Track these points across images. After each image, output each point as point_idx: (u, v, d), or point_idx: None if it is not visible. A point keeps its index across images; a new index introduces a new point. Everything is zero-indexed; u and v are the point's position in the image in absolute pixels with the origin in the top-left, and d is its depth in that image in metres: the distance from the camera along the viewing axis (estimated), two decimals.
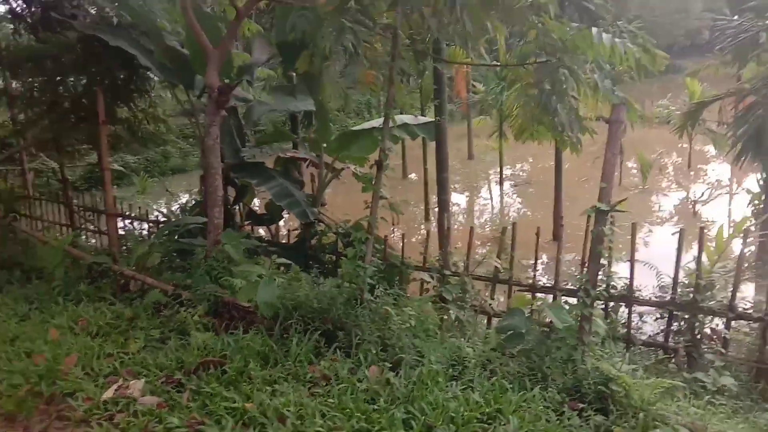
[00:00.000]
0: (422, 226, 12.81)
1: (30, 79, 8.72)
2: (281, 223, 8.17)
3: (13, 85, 10.41)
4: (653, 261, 6.30)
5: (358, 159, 7.81)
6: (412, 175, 18.29)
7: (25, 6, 9.46)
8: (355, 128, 7.74)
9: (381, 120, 7.92)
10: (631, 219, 11.90)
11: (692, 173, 17.46)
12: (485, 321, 5.67)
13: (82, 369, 4.11)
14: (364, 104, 27.03)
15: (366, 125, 7.80)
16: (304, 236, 7.30)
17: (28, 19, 9.33)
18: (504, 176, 18.40)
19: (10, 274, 6.62)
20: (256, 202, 10.08)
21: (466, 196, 17.52)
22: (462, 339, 4.25)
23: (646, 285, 5.82)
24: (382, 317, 4.47)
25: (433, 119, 7.86)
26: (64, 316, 5.05)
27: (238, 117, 8.04)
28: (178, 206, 8.69)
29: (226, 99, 5.74)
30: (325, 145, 7.36)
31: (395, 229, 8.19)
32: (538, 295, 5.57)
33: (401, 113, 11.10)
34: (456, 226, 12.72)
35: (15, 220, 9.10)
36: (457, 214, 15.41)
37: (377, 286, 4.79)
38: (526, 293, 5.52)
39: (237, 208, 8.00)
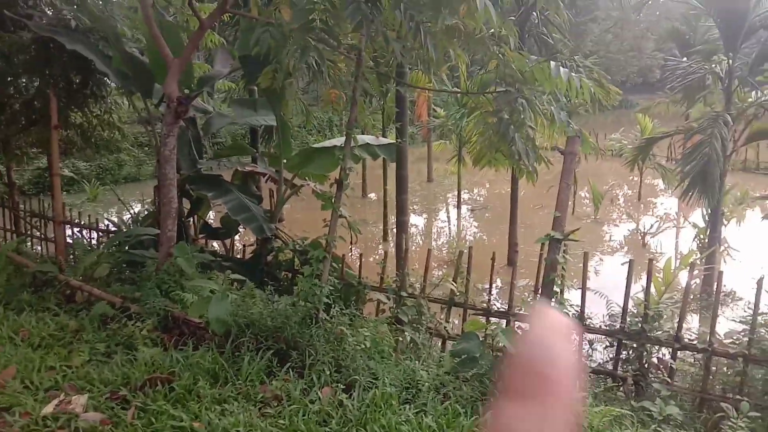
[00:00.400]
0: (380, 246, 12.82)
1: None
2: (236, 237, 8.04)
3: None
4: (604, 290, 6.48)
5: (318, 176, 7.78)
6: (372, 195, 18.34)
7: None
8: (316, 145, 7.72)
9: (342, 139, 7.96)
10: (583, 248, 12.21)
11: (642, 206, 18.08)
12: (440, 344, 5.69)
13: (21, 382, 3.91)
14: (326, 122, 27.04)
15: (327, 143, 7.79)
16: (260, 252, 7.19)
17: None
18: (462, 200, 18.65)
19: None
20: (211, 215, 9.91)
21: (425, 218, 17.65)
22: (416, 362, 4.24)
23: (597, 313, 5.97)
24: (337, 337, 4.43)
25: (394, 141, 7.93)
26: (4, 326, 4.81)
27: (197, 128, 7.92)
28: (129, 216, 8.43)
29: (184, 110, 5.65)
30: (285, 160, 7.31)
31: (353, 248, 8.16)
32: (493, 319, 5.63)
33: (363, 133, 11.18)
34: (414, 248, 12.78)
35: None
36: (415, 235, 15.49)
37: (333, 306, 4.75)
38: (480, 317, 5.57)
39: (191, 220, 7.84)
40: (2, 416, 3.59)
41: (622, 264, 5.50)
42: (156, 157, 7.13)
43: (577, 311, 5.36)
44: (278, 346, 4.36)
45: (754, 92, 10.04)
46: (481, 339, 4.39)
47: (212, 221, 9.60)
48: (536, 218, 14.52)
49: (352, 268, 6.53)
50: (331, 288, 4.76)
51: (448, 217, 17.54)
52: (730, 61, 9.16)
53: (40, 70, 7.77)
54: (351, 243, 7.74)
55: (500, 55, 5.34)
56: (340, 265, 6.28)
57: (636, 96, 40.69)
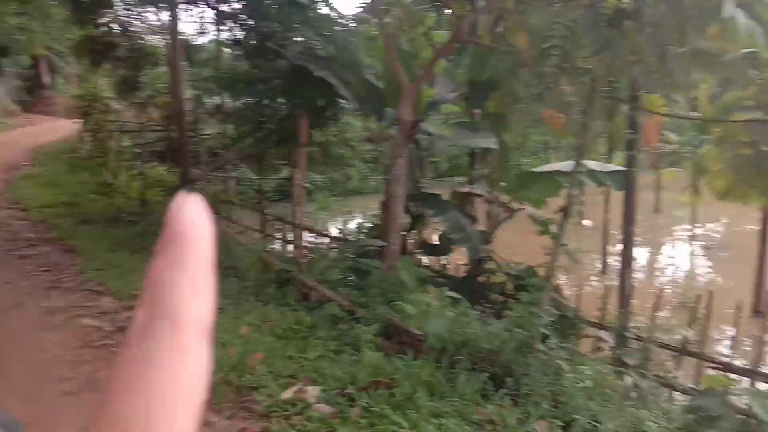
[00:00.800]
0: (597, 279, 12.11)
1: (243, 100, 9.91)
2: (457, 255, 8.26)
3: (228, 104, 11.92)
4: None
5: (536, 201, 7.64)
6: (587, 221, 17.41)
7: (244, 35, 10.82)
8: (535, 169, 7.61)
9: (564, 163, 7.71)
10: None
11: None
12: (667, 395, 5.17)
13: (266, 367, 4.49)
14: (542, 143, 26.42)
15: (548, 167, 7.63)
16: (473, 272, 7.29)
17: (247, 47, 10.65)
18: (693, 235, 16.74)
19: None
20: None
21: (648, 252, 16.22)
22: (643, 410, 3.92)
23: None
24: (554, 371, 4.29)
25: (622, 168, 7.44)
26: (254, 315, 5.57)
27: (421, 149, 8.33)
28: (355, 226, 9.18)
29: (415, 132, 5.99)
30: (503, 183, 7.33)
31: (569, 279, 7.84)
32: (732, 376, 4.95)
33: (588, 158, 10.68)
34: (635, 283, 11.81)
35: (217, 221, 10.30)
36: (637, 270, 14.31)
37: (549, 337, 4.62)
38: (718, 372, 4.94)
39: (409, 236, 8.25)
40: (252, 395, 4.16)
41: None
42: (382, 174, 7.72)
43: None
44: (492, 370, 4.37)
45: None
46: (722, 397, 3.89)
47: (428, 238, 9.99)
48: None
49: (570, 300, 6.28)
50: (550, 319, 4.63)
51: (676, 253, 15.88)
52: None
53: (292, 94, 8.91)
54: (568, 273, 7.43)
55: (758, 80, 4.74)
56: (556, 295, 6.08)
57: None
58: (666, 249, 16.50)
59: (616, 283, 8.50)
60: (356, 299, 5.79)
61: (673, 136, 16.11)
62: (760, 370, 4.82)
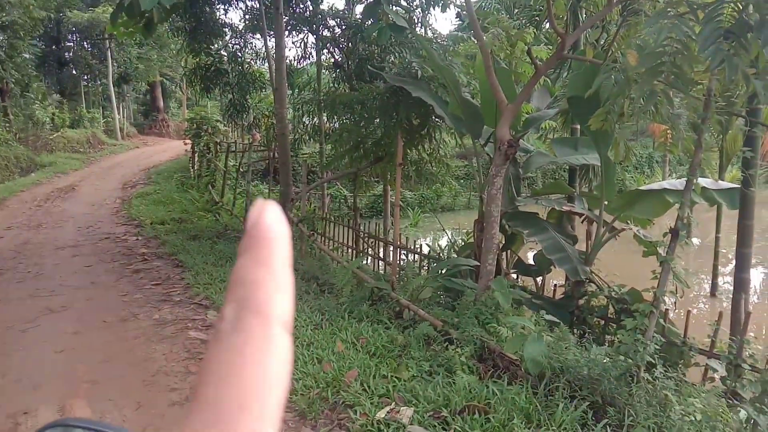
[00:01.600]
0: (706, 302, 11.30)
1: (342, 120, 10.22)
2: (554, 276, 8.04)
3: (327, 124, 12.35)
4: None
5: (642, 220, 7.29)
6: (695, 239, 16.30)
7: (344, 58, 11.20)
8: (642, 188, 7.26)
9: (674, 181, 7.30)
10: None
11: None
12: None
13: (360, 384, 4.57)
14: (645, 158, 25.17)
15: (655, 185, 7.26)
16: (571, 294, 7.05)
17: (346, 69, 11.01)
18: None
19: (308, 285, 7.73)
20: (524, 251, 10.10)
21: (762, 273, 14.94)
22: None
23: None
24: (660, 402, 4.06)
25: (736, 186, 6.96)
26: (349, 332, 5.70)
27: (517, 166, 8.21)
28: (446, 244, 9.16)
29: (514, 151, 5.92)
30: (606, 202, 7.05)
31: (677, 303, 7.36)
32: None
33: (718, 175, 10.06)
34: (751, 307, 10.91)
35: (314, 237, 10.66)
36: (751, 293, 13.23)
37: (656, 366, 4.38)
38: None
39: (505, 255, 8.12)
40: (347, 412, 4.25)
41: None
42: (473, 190, 7.64)
43: None
44: (593, 399, 4.20)
45: None
46: None
47: (525, 257, 9.78)
48: None
49: (676, 324, 5.92)
50: (657, 346, 4.39)
51: None
52: None
53: (389, 114, 9.09)
54: (678, 297, 7.00)
55: None
56: (663, 320, 5.75)
57: None
58: None
59: (727, 306, 7.94)
60: (449, 320, 5.77)
61: None
62: None
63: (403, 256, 9.81)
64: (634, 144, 7.58)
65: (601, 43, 7.18)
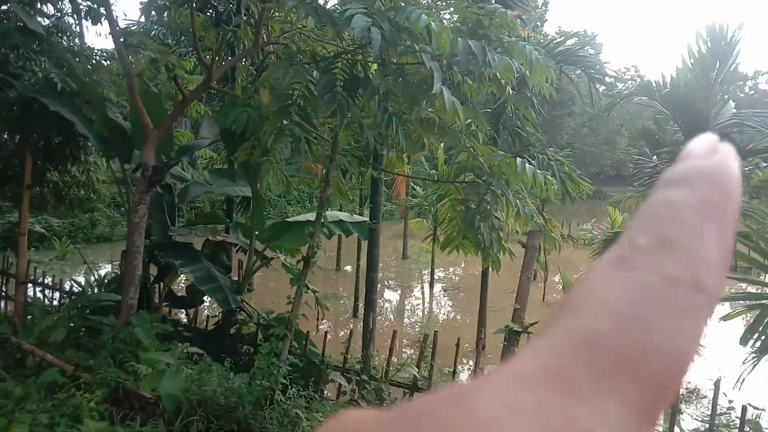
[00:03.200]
0: (350, 323, 12.68)
1: None
2: (207, 307, 7.92)
3: None
4: None
5: (290, 250, 7.80)
6: (347, 267, 18.30)
7: None
8: (290, 219, 7.79)
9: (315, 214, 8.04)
10: None
11: None
12: None
13: None
14: (307, 194, 27.32)
15: (301, 218, 7.88)
16: (223, 324, 7.08)
17: None
18: (437, 278, 18.68)
19: None
20: (181, 281, 9.79)
21: (398, 295, 17.61)
22: None
23: None
24: (291, 421, 4.32)
25: (367, 220, 8.05)
26: None
27: (173, 194, 7.96)
28: (95, 279, 8.29)
29: (159, 179, 5.71)
30: (257, 232, 7.34)
31: (321, 325, 8.05)
32: None
33: (340, 209, 11.29)
34: (386, 325, 12.68)
35: None
36: (388, 311, 15.40)
37: (291, 387, 4.66)
38: None
39: (157, 287, 7.73)
40: None
41: None
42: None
43: None
44: (230, 427, 4.23)
45: None
46: None
47: (182, 288, 9.47)
48: (508, 301, 14.55)
49: (317, 345, 6.45)
50: (290, 368, 4.68)
51: (423, 295, 17.52)
52: None
53: (20, 129, 7.85)
54: (318, 319, 7.66)
55: (470, 147, 5.57)
56: (304, 342, 6.20)
57: (609, 188, 42.07)
58: (414, 292, 18.09)
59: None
60: (84, 362, 5.16)
61: (419, 190, 17.99)
62: None
63: (39, 293, 8.51)
64: (301, 180, 8.11)
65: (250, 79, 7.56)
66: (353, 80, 4.27)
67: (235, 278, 7.76)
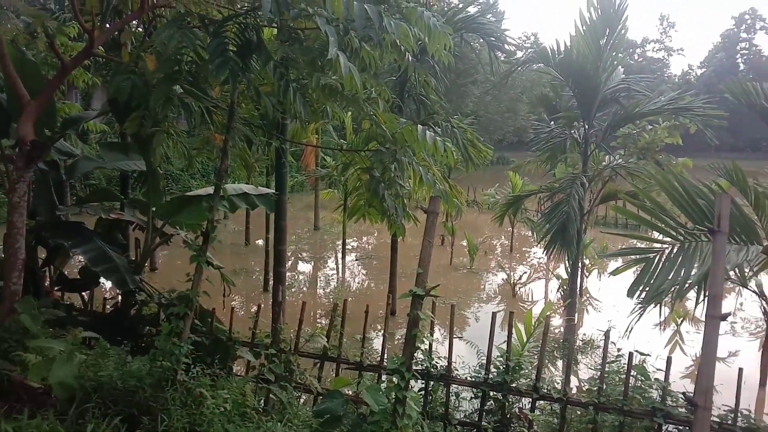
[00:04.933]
0: (262, 297, 12.49)
1: None
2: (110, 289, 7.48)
3: None
4: (480, 339, 6.67)
5: (192, 225, 7.49)
6: (259, 242, 17.95)
7: None
8: (189, 194, 7.46)
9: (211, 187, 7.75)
10: (459, 297, 12.53)
11: (517, 256, 19.18)
12: (313, 402, 5.56)
13: None
14: (212, 167, 26.38)
15: (201, 191, 7.56)
16: (123, 306, 6.73)
17: None
18: (350, 248, 18.74)
19: None
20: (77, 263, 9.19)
21: (311, 267, 17.53)
22: (279, 423, 4.10)
23: (473, 364, 6.13)
24: (195, 400, 4.19)
25: (272, 191, 7.87)
26: None
27: (59, 171, 7.39)
28: None
29: (39, 154, 5.26)
30: (154, 208, 6.98)
31: (228, 301, 7.86)
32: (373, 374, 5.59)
33: (248, 181, 10.97)
34: (300, 297, 12.59)
35: None
36: (302, 284, 15.31)
37: (194, 366, 4.51)
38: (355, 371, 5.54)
39: (47, 271, 7.20)
40: None
41: (496, 312, 5.71)
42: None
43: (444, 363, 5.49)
44: (129, 411, 4.04)
45: (607, 156, 11.11)
46: (347, 396, 4.35)
47: (76, 271, 8.88)
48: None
49: (226, 322, 6.28)
50: (192, 347, 4.52)
51: (337, 265, 17.54)
52: (586, 127, 10.11)
53: None
54: (225, 295, 7.45)
55: (373, 115, 5.53)
56: (210, 319, 6.02)
57: (512, 153, 43.75)
58: (328, 263, 18.08)
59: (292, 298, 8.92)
60: None
61: (330, 161, 17.84)
62: (384, 365, 5.57)
63: None
64: (200, 152, 7.77)
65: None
66: (246, 45, 4.08)
67: (134, 257, 7.36)
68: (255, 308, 6.38)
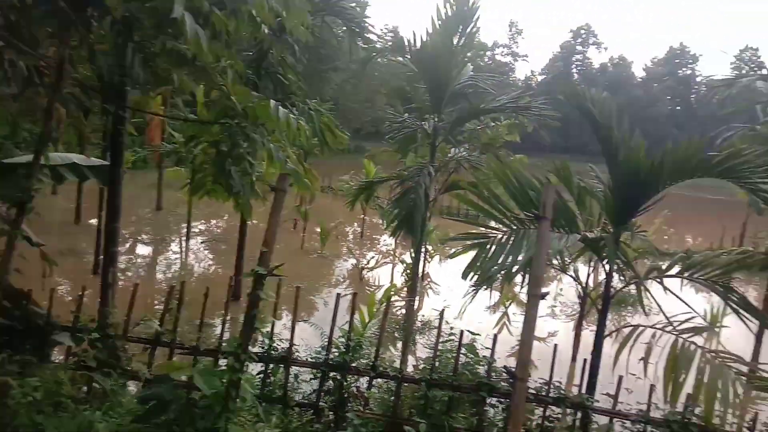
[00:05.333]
0: (90, 281, 11.44)
1: None
2: None
3: None
4: (326, 324, 6.67)
5: (5, 196, 6.61)
6: (92, 221, 16.42)
7: None
8: (5, 160, 6.58)
9: (53, 155, 6.93)
10: (309, 281, 12.54)
11: (367, 242, 19.62)
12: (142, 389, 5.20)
13: None
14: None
15: (22, 158, 6.71)
16: None
17: None
18: (198, 231, 17.88)
19: None
20: None
21: (151, 249, 16.43)
22: (98, 412, 3.77)
23: (315, 346, 6.12)
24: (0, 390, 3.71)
25: (106, 163, 7.21)
26: None
27: None
28: None
29: None
30: None
31: (46, 282, 7.04)
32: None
33: (81, 151, 9.89)
34: (136, 280, 11.72)
35: None
36: (140, 267, 14.29)
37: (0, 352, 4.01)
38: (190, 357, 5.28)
39: None
40: None
41: (343, 296, 5.74)
42: None
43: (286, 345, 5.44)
44: None
45: (453, 149, 11.72)
46: (178, 381, 4.12)
47: None
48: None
49: (43, 306, 5.65)
50: None
51: (181, 248, 16.63)
52: (436, 120, 10.57)
53: None
54: (44, 276, 6.70)
55: (222, 86, 5.28)
56: (24, 302, 5.38)
57: (369, 143, 44.59)
58: (171, 246, 17.09)
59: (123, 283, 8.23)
60: None
61: (177, 136, 16.77)
62: (222, 349, 5.37)
63: None
64: (26, 117, 6.87)
65: None
66: None
67: None
68: (88, 291, 5.83)
